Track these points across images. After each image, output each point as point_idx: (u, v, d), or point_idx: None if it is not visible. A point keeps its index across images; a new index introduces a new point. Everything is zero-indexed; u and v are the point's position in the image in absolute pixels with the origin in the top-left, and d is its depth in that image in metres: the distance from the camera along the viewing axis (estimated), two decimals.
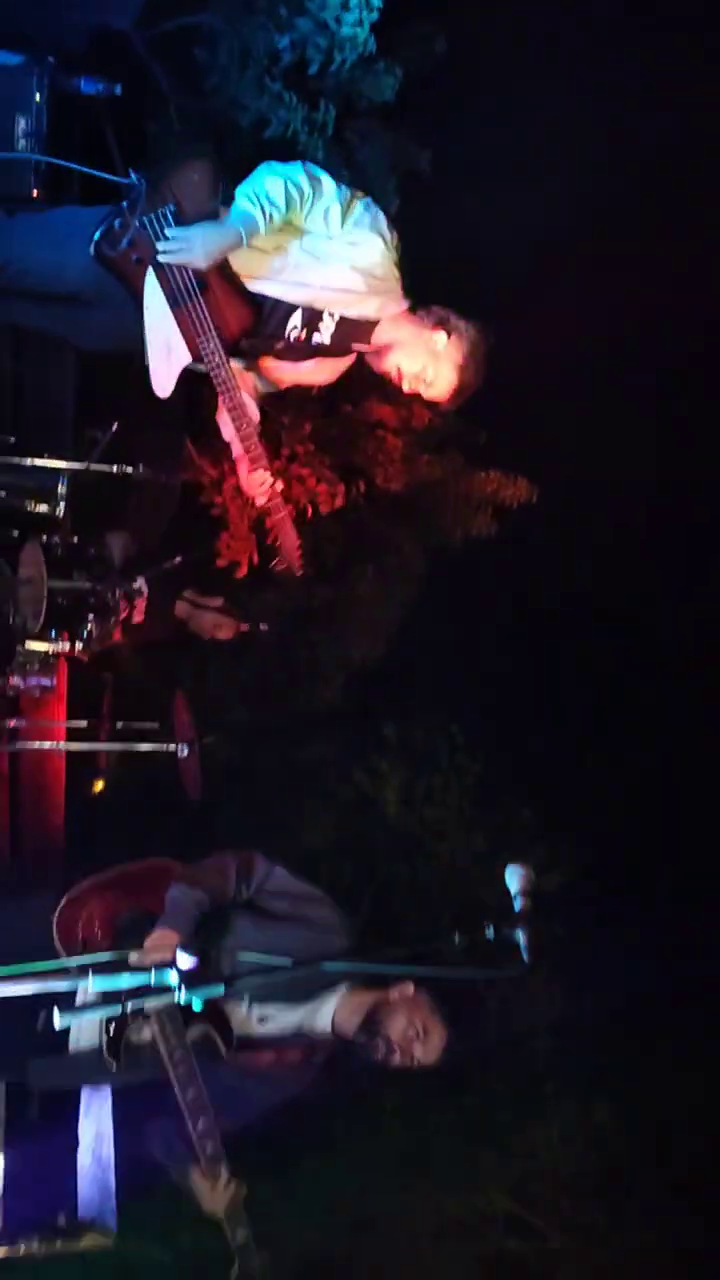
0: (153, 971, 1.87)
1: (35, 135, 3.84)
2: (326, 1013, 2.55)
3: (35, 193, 3.85)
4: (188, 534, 5.09)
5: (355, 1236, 7.73)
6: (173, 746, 3.79)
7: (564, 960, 8.67)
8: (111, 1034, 2.29)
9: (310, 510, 5.22)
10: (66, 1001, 1.87)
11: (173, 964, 1.81)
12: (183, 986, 1.86)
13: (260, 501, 3.17)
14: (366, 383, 4.86)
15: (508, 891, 2.24)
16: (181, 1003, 1.93)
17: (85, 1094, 3.71)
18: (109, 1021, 2.29)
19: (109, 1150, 3.72)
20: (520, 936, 2.15)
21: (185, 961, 1.91)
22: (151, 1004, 1.97)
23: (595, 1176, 8.29)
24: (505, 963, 2.18)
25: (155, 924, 2.38)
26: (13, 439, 3.68)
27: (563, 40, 5.92)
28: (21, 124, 3.81)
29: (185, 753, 3.74)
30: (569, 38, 5.90)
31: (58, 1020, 1.79)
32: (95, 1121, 3.74)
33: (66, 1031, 2.47)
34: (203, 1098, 2.27)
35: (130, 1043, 2.35)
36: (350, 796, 8.17)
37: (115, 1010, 1.82)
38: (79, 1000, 1.99)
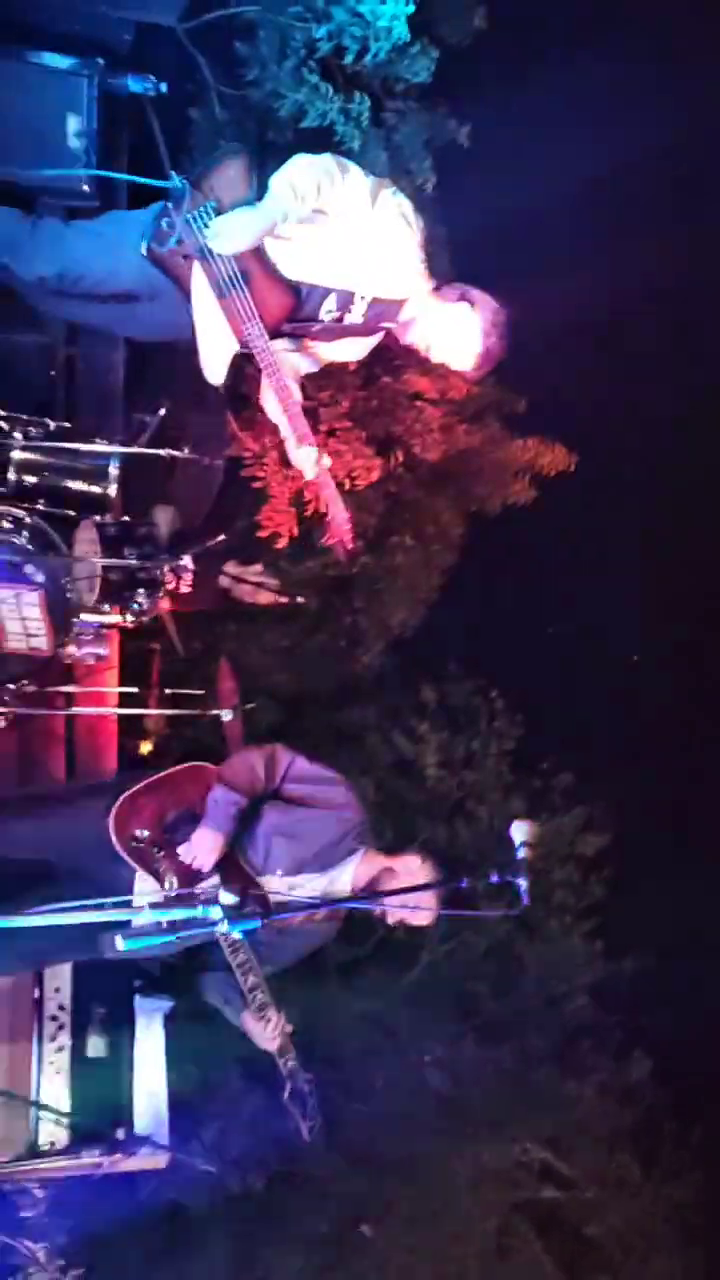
0: (200, 907, 2.24)
1: (87, 133, 4.15)
2: (346, 879, 3.00)
3: (86, 186, 4.17)
4: (232, 507, 5.44)
5: (396, 1181, 8.19)
6: (216, 712, 4.15)
7: (602, 921, 9.05)
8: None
9: (348, 484, 5.53)
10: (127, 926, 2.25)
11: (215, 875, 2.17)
12: (227, 919, 2.23)
13: (309, 476, 3.49)
14: (405, 355, 5.12)
15: (514, 843, 2.58)
16: (227, 934, 2.31)
17: (140, 1028, 4.15)
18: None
19: (162, 1081, 4.17)
20: (521, 882, 2.49)
21: (228, 898, 2.28)
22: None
23: (630, 1131, 8.68)
24: (507, 904, 2.52)
25: (200, 821, 2.77)
26: (67, 424, 4.02)
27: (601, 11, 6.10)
28: (74, 123, 4.13)
29: (228, 717, 4.10)
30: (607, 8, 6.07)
31: (120, 945, 2.17)
32: (149, 1055, 4.18)
33: None
34: (251, 960, 2.67)
35: None
36: (390, 759, 8.52)
37: (170, 939, 2.20)
38: (135, 925, 2.34)
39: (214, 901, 2.24)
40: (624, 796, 8.83)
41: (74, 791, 3.74)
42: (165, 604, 4.15)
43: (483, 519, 7.59)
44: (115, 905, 2.29)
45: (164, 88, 4.31)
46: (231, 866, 2.77)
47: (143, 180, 3.23)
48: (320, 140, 4.72)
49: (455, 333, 3.39)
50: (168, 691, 4.43)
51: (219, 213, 3.09)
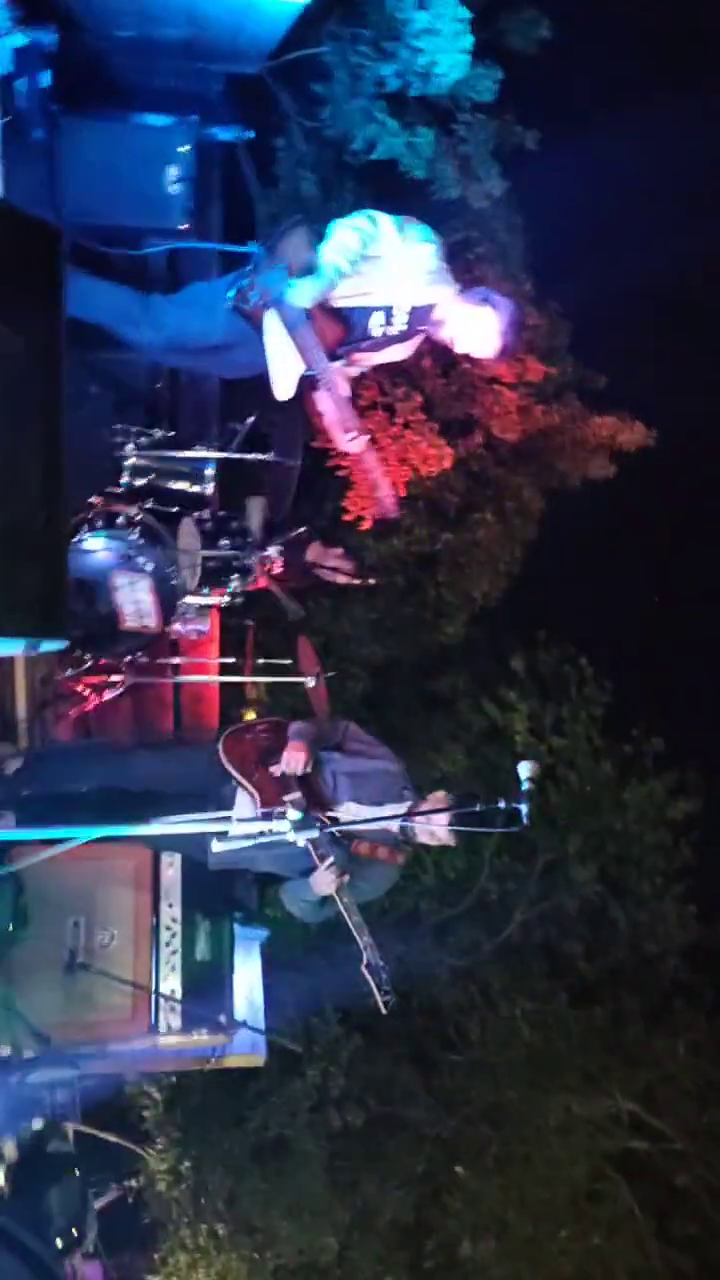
0: (274, 820, 3.24)
1: (185, 179, 5.12)
2: (400, 806, 3.95)
3: (185, 225, 5.15)
4: (315, 495, 6.41)
5: (488, 1126, 9.17)
6: (301, 679, 5.13)
7: (694, 884, 9.79)
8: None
9: (422, 468, 6.45)
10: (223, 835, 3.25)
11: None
12: (296, 829, 3.23)
13: (354, 451, 4.41)
14: None
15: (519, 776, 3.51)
16: (297, 843, 3.30)
17: (240, 953, 5.17)
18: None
19: (260, 996, 5.20)
20: (524, 807, 3.41)
21: (295, 815, 3.26)
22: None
23: None
24: (512, 825, 3.44)
25: (289, 744, 3.91)
26: (171, 433, 5.04)
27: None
28: (173, 171, 5.10)
29: (312, 684, 5.07)
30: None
31: (216, 847, 3.18)
32: (248, 976, 5.21)
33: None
34: (329, 853, 3.63)
35: None
36: (481, 726, 9.38)
37: (254, 842, 3.20)
38: (231, 833, 3.33)
39: (284, 816, 3.24)
40: (714, 761, 9.52)
41: (188, 739, 4.83)
42: (263, 581, 5.16)
43: (567, 494, 8.38)
44: (214, 820, 3.29)
45: (250, 134, 5.26)
46: (309, 792, 3.79)
47: (228, 248, 4.22)
48: (387, 169, 5.63)
49: (478, 330, 4.31)
50: (260, 662, 5.43)
51: (288, 271, 4.06)
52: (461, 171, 6.30)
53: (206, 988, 4.48)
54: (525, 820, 3.45)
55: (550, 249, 7.78)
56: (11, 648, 2.55)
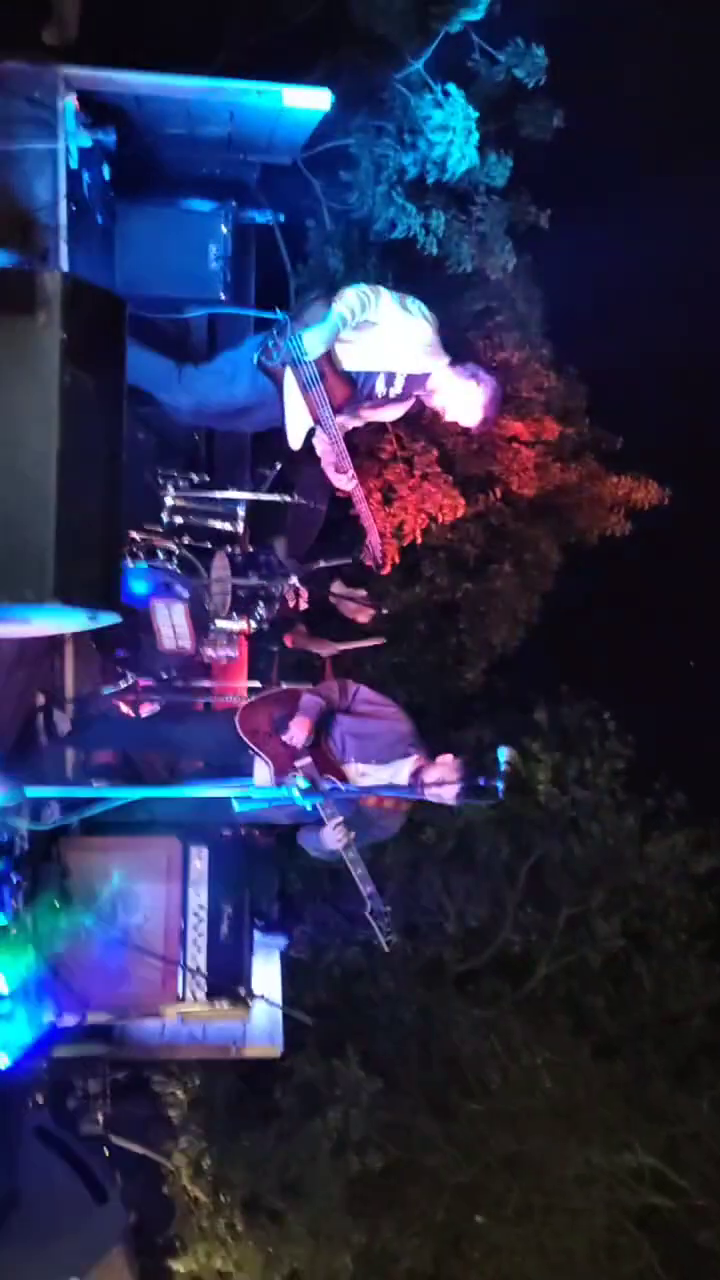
0: (284, 787, 4.07)
1: (224, 257, 6.11)
2: (404, 774, 4.73)
3: (224, 297, 6.13)
4: (344, 541, 7.31)
5: (508, 1175, 9.73)
6: None
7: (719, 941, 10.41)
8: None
9: (439, 517, 7.34)
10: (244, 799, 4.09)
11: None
12: (304, 795, 4.06)
13: (343, 488, 5.24)
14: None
15: (498, 759, 4.32)
16: (306, 807, 4.13)
17: (259, 958, 5.95)
18: None
19: (278, 994, 5.97)
20: (500, 785, 4.22)
21: (304, 784, 4.09)
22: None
23: None
24: (489, 798, 4.25)
25: (295, 716, 4.68)
26: (207, 477, 5.97)
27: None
28: (213, 250, 6.10)
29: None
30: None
31: (236, 808, 4.02)
32: (267, 978, 5.99)
33: None
34: (337, 812, 4.41)
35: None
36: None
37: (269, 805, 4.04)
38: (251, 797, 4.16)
39: (294, 785, 4.07)
40: None
41: (210, 712, 5.85)
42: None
43: (584, 548, 9.23)
44: (236, 784, 4.14)
45: (282, 218, 6.26)
46: (320, 756, 4.60)
47: (256, 313, 5.18)
48: (406, 247, 6.61)
49: (465, 401, 5.19)
50: (284, 686, 6.29)
51: None
52: (478, 248, 7.26)
53: (228, 964, 5.29)
54: (500, 796, 4.27)
55: (567, 317, 8.71)
56: (76, 620, 3.42)
